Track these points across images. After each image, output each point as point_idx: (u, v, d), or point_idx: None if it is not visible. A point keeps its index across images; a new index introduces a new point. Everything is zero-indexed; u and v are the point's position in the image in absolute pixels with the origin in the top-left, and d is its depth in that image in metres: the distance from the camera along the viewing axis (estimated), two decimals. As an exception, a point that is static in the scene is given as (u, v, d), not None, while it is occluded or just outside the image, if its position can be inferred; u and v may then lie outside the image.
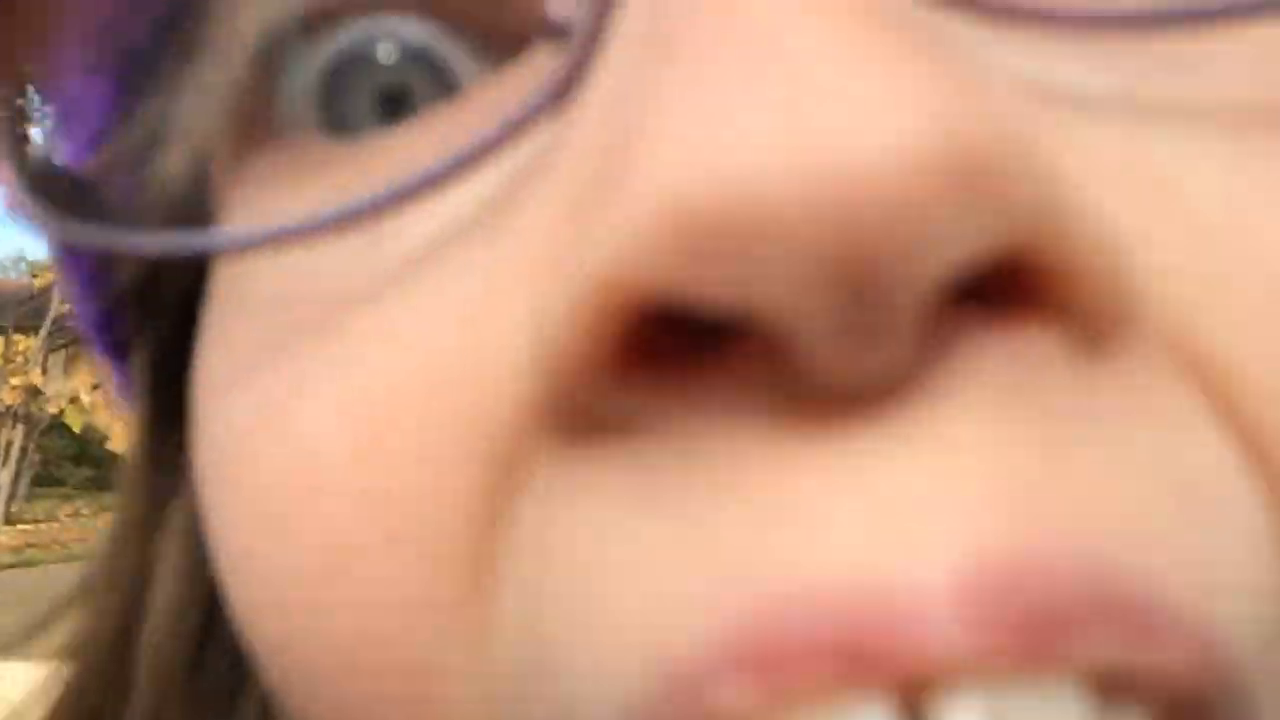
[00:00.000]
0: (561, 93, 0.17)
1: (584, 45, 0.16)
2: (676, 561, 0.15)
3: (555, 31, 0.18)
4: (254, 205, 0.21)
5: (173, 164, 0.21)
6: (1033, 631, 0.14)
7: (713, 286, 0.13)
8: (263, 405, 0.18)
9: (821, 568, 0.14)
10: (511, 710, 0.17)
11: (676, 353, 0.15)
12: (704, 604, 0.14)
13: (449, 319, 0.17)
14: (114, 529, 0.29)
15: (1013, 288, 0.15)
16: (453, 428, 0.16)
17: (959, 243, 0.14)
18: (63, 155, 0.24)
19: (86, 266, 0.25)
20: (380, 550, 0.17)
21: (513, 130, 0.17)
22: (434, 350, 0.17)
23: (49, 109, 0.23)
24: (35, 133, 0.21)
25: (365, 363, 0.17)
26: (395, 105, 0.20)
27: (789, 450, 0.15)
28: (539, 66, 0.19)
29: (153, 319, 0.26)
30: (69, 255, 0.25)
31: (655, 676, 0.14)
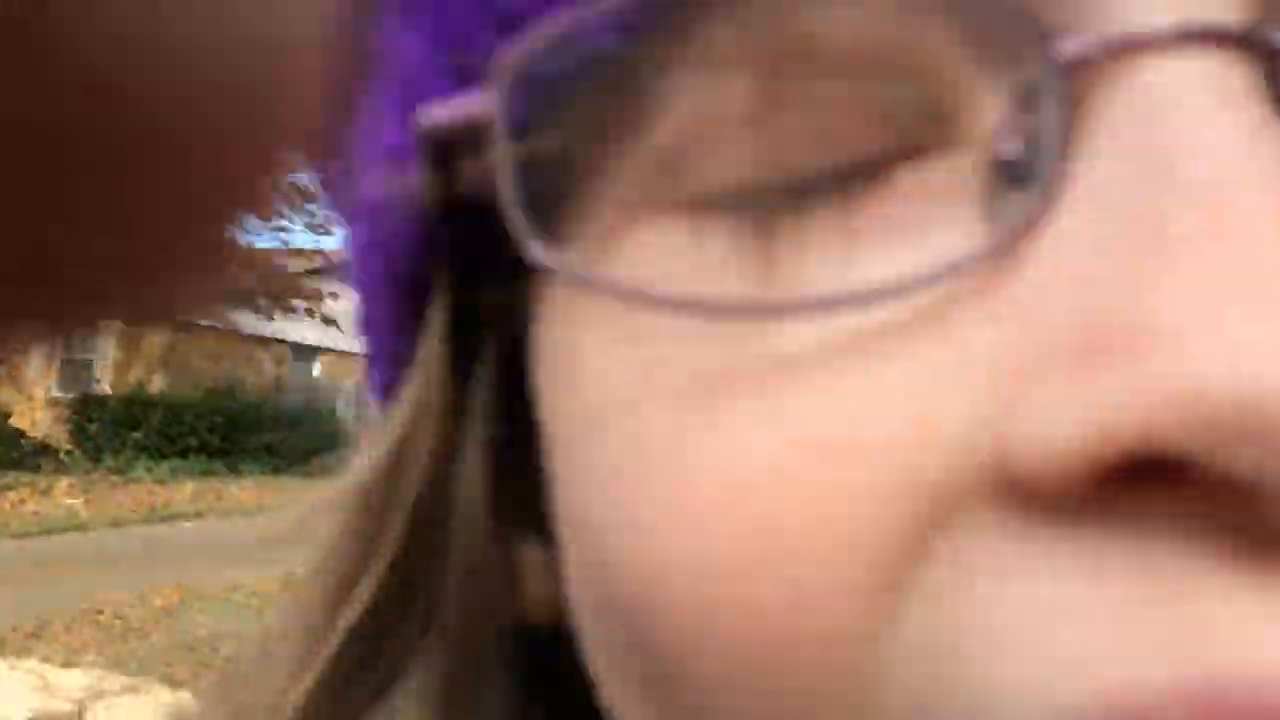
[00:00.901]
0: (1019, 236, 0.18)
1: (1045, 194, 0.18)
2: (1120, 619, 0.16)
3: (1003, 169, 0.19)
4: (642, 247, 0.21)
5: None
6: None
7: (1226, 460, 0.16)
8: (708, 444, 0.19)
9: (1260, 665, 0.16)
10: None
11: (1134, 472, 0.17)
12: (1158, 652, 0.16)
13: (896, 391, 0.18)
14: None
15: None
16: (896, 473, 0.18)
17: None
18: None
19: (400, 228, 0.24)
20: (803, 554, 0.18)
21: (968, 262, 0.18)
22: (884, 413, 0.18)
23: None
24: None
25: (813, 414, 0.19)
26: None
27: (1236, 581, 0.16)
28: (948, 177, 0.20)
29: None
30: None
31: (1094, 703, 0.16)
